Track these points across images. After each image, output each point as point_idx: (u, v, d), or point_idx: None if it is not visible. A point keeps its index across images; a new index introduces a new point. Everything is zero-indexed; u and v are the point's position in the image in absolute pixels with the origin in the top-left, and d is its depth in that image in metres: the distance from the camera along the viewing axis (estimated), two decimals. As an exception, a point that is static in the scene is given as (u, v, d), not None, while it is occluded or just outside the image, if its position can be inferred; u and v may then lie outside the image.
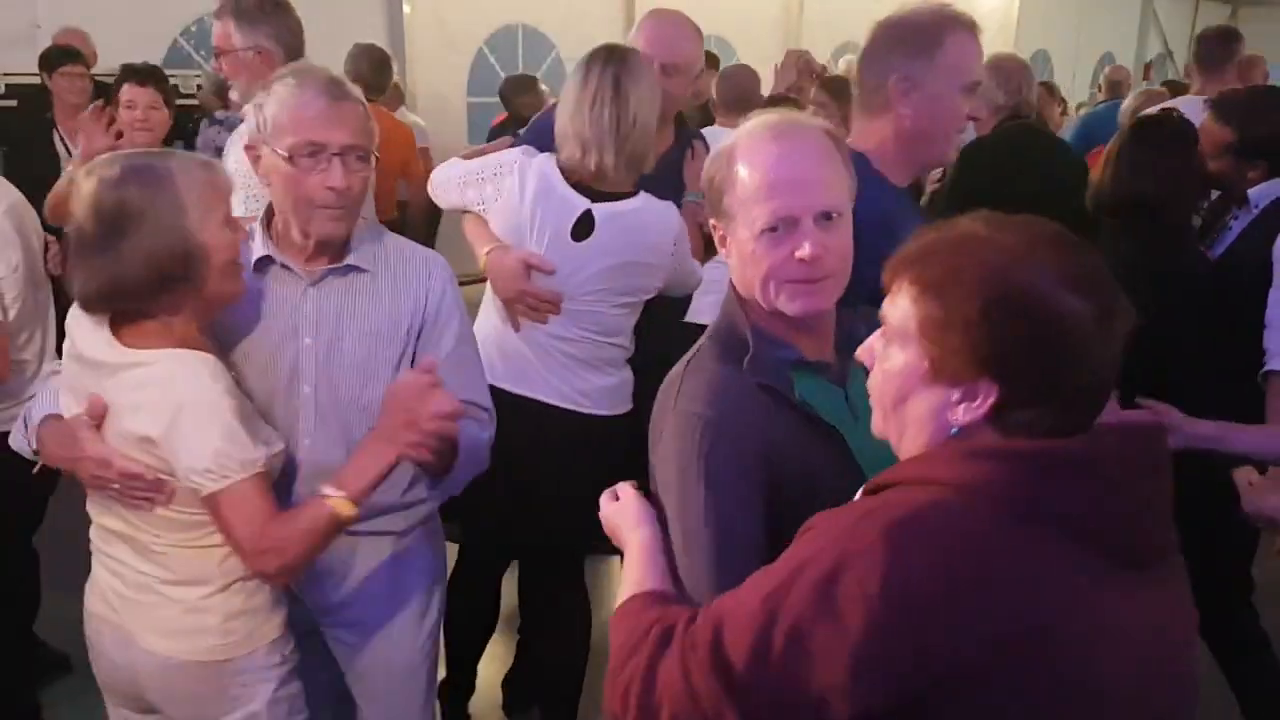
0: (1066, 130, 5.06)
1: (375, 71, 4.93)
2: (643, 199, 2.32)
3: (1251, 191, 2.65)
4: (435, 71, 7.17)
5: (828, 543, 1.01)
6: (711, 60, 6.76)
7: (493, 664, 3.13)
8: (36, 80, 4.38)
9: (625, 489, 1.43)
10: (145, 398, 1.57)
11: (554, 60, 7.75)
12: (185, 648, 1.68)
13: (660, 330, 2.56)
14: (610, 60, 2.24)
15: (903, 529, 0.97)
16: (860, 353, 1.17)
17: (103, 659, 1.76)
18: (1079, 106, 9.34)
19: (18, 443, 1.79)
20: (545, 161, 2.31)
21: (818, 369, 1.38)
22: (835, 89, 4.07)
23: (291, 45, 2.59)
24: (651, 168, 2.33)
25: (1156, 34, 14.50)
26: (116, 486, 1.61)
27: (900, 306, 1.08)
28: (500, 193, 2.31)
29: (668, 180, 2.61)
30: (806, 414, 1.33)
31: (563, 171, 2.29)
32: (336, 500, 1.56)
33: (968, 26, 1.86)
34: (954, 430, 1.05)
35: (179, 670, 1.68)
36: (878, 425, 1.15)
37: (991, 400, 1.02)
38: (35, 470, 1.79)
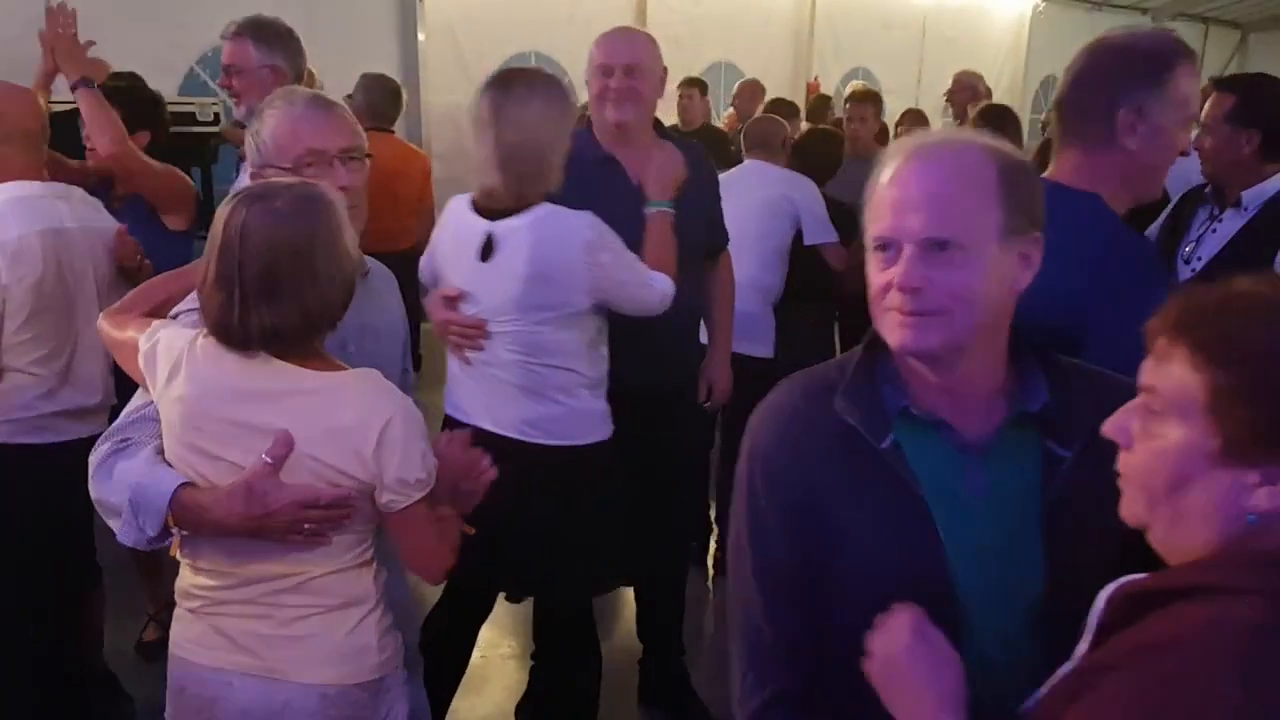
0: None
1: (389, 102, 4.94)
2: (543, 210, 2.31)
3: (1245, 193, 2.66)
4: (450, 98, 7.22)
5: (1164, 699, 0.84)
6: (698, 84, 6.68)
7: (505, 692, 3.12)
8: (58, 108, 4.43)
9: (928, 628, 1.15)
10: (352, 418, 1.59)
11: (566, 86, 7.79)
12: (351, 671, 1.68)
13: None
14: (489, 86, 2.33)
15: (1258, 667, 0.81)
16: (1109, 428, 1.02)
17: (227, 713, 1.67)
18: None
19: (130, 537, 1.63)
20: (460, 198, 2.42)
21: (935, 426, 1.25)
22: (995, 119, 4.13)
23: (298, 71, 2.84)
24: (556, 183, 2.34)
25: (1166, 58, 14.53)
26: (309, 526, 1.58)
27: (1176, 375, 0.95)
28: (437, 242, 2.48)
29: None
30: (889, 466, 1.23)
31: (475, 200, 2.38)
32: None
33: (1191, 55, 1.77)
34: (1251, 519, 0.91)
35: (339, 698, 1.67)
36: (1137, 513, 1.01)
37: None
38: (174, 552, 1.67)
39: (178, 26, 5.96)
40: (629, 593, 3.39)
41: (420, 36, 6.87)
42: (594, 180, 2.56)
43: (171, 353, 1.65)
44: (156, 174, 3.09)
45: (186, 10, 5.91)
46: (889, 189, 1.21)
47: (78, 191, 2.70)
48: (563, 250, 2.28)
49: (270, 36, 2.81)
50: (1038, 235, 1.23)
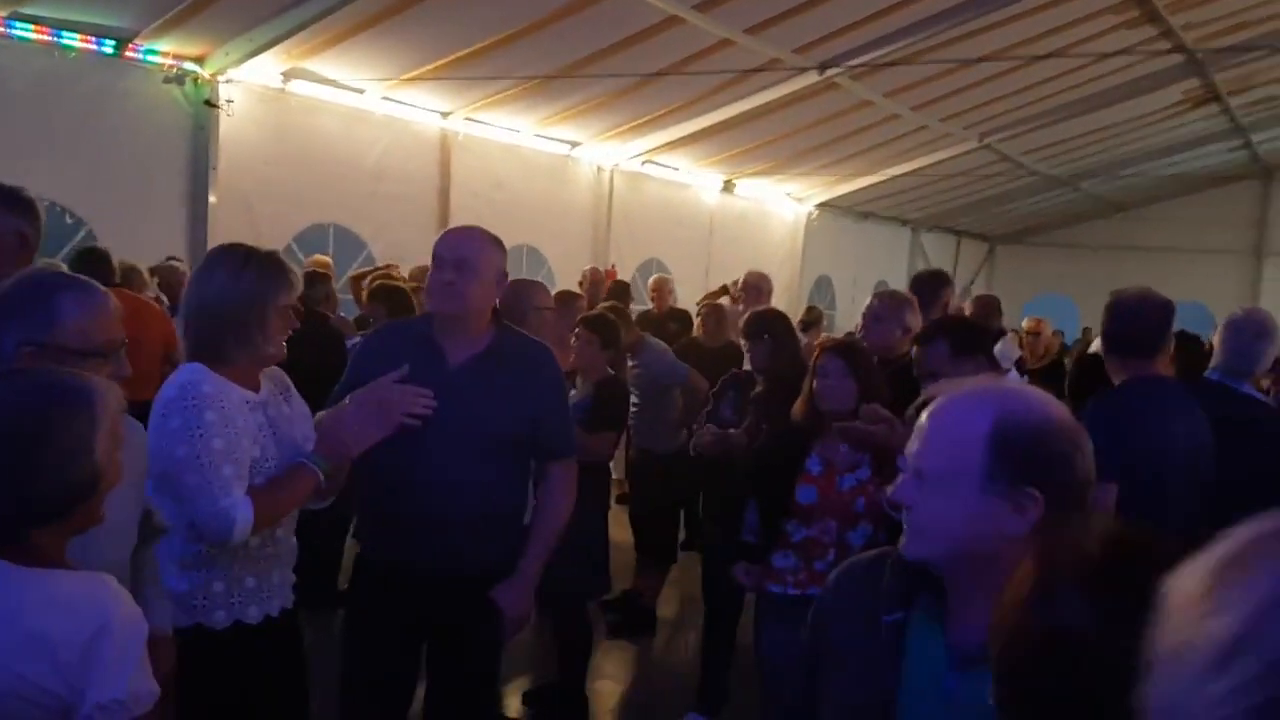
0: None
1: (103, 269, 4.96)
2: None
3: None
4: (239, 265, 7.05)
5: None
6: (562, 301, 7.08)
7: None
8: None
9: None
10: (57, 625, 1.41)
11: (365, 259, 7.79)
12: None
13: None
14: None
15: None
16: None
17: None
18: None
19: None
20: None
21: (939, 620, 1.38)
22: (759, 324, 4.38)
23: (38, 241, 2.86)
24: (251, 354, 2.35)
25: (924, 265, 16.09)
26: None
27: None
28: None
29: (478, 376, 2.72)
30: (883, 640, 1.38)
31: None
32: None
33: None
34: None
35: None
36: None
37: None
38: None
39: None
40: None
41: (211, 199, 6.72)
42: (414, 359, 2.64)
43: None
44: None
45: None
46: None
47: None
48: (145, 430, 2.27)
49: (21, 204, 2.79)
50: (1036, 494, 1.29)
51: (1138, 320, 3.15)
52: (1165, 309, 3.18)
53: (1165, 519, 2.72)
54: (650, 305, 8.63)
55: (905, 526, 1.38)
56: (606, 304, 6.03)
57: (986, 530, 1.32)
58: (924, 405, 1.42)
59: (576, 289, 7.45)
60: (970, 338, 3.31)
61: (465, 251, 2.71)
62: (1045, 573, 0.97)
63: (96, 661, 1.42)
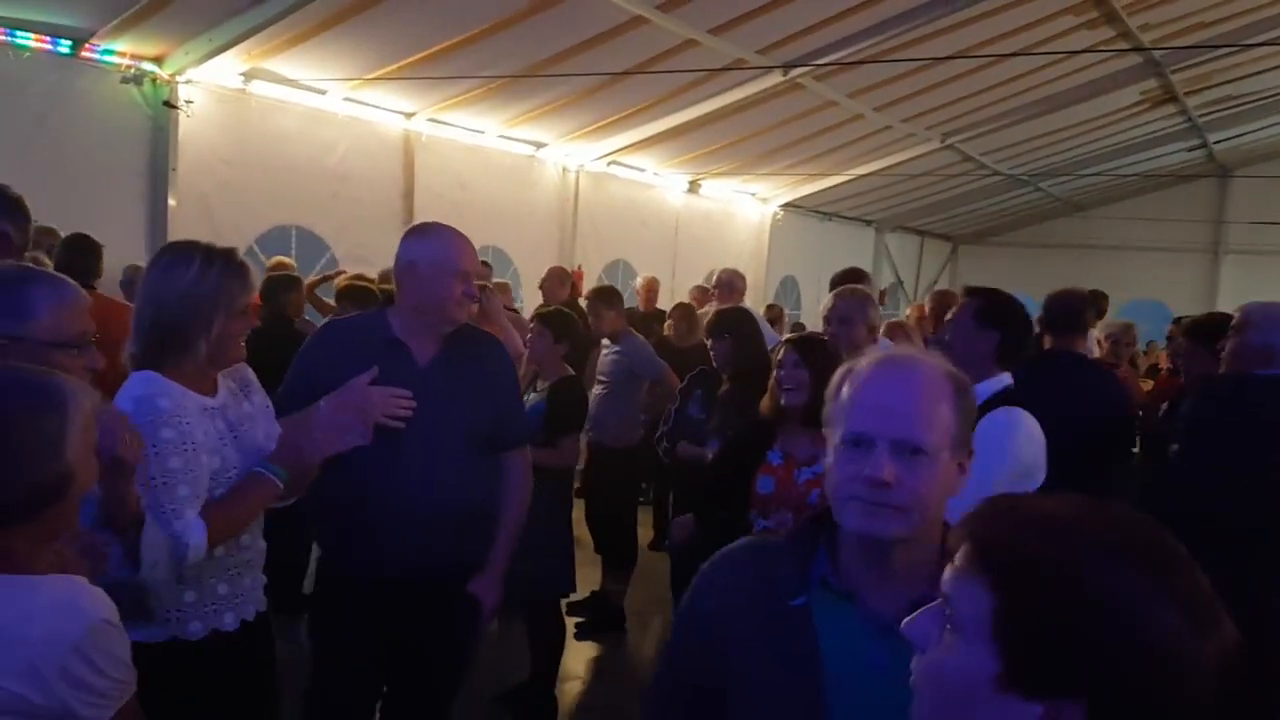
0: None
1: (90, 261, 4.92)
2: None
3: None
4: (199, 267, 6.94)
5: None
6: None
7: None
8: None
9: None
10: (35, 631, 1.40)
11: (328, 262, 7.71)
12: None
13: None
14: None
15: None
16: (908, 627, 0.98)
17: None
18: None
19: None
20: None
21: (849, 597, 1.35)
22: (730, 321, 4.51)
23: (24, 241, 2.82)
24: (199, 356, 2.20)
25: (889, 265, 16.20)
26: None
27: (968, 591, 0.91)
28: None
29: (447, 373, 2.73)
30: (795, 624, 1.35)
31: None
32: None
33: None
34: None
35: None
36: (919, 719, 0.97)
37: None
38: None
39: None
40: None
41: (171, 202, 6.63)
42: (381, 360, 2.59)
43: None
44: None
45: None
46: (867, 392, 1.34)
47: None
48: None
49: (6, 202, 2.74)
50: (972, 449, 1.37)
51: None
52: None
53: None
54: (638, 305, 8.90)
55: (870, 506, 1.31)
56: (601, 285, 6.13)
57: (947, 493, 1.35)
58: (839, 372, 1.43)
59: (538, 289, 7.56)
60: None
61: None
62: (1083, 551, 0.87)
63: (78, 666, 1.40)
